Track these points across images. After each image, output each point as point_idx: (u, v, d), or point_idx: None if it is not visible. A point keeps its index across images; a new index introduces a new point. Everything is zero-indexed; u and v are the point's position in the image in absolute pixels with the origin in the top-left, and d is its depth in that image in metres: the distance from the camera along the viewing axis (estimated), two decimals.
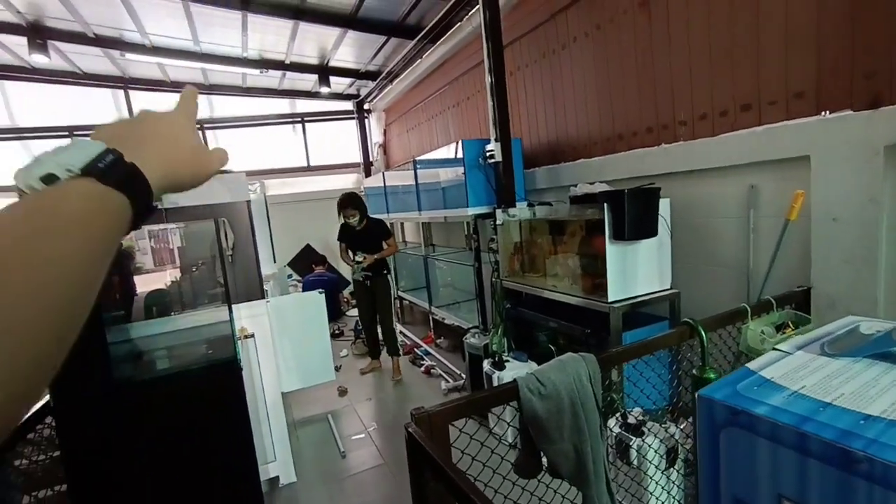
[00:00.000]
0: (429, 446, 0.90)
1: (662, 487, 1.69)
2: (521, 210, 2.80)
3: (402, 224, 6.29)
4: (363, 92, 6.58)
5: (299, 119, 6.82)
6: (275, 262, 3.52)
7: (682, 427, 1.91)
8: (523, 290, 2.79)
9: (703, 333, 1.40)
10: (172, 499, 1.76)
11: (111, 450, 1.63)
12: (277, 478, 2.47)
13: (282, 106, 6.66)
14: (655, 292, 2.21)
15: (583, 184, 2.56)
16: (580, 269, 2.44)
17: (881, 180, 1.64)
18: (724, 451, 0.48)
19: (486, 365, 2.63)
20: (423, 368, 3.96)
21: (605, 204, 2.03)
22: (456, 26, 4.03)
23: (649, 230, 2.07)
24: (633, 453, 1.72)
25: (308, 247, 6.61)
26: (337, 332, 5.17)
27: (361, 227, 3.70)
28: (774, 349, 0.59)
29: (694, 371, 1.44)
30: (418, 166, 4.04)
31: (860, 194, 1.69)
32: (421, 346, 4.49)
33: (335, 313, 5.70)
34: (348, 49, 5.10)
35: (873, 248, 1.70)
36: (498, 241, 2.98)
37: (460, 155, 3.22)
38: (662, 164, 2.43)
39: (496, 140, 3.01)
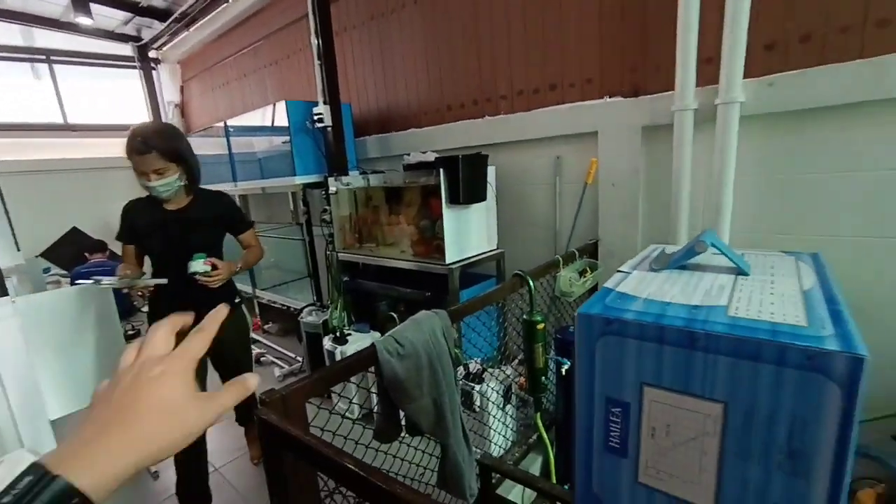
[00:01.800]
0: (286, 426, 0.78)
1: (502, 422, 1.91)
2: (354, 178, 2.69)
3: None
4: (147, 35, 5.33)
5: (43, 58, 5.09)
6: (18, 250, 2.53)
7: (513, 365, 2.17)
8: (361, 260, 2.72)
9: (531, 283, 1.59)
10: None
11: None
12: None
13: (12, 36, 4.83)
14: (485, 252, 2.42)
15: (415, 152, 2.60)
16: (418, 234, 2.50)
17: (639, 154, 2.11)
18: (598, 359, 0.52)
19: (327, 342, 2.50)
20: None
21: (441, 170, 2.10)
22: None
23: (480, 195, 2.23)
24: (477, 398, 1.88)
25: (75, 230, 5.16)
26: (132, 331, 4.24)
27: (185, 204, 1.79)
28: (618, 271, 0.66)
29: (525, 316, 1.62)
30: (231, 131, 3.51)
31: (628, 165, 2.14)
32: None
33: (127, 310, 4.65)
34: None
35: (635, 207, 2.19)
36: (331, 211, 2.83)
37: (282, 119, 2.91)
38: (486, 134, 2.64)
39: (325, 103, 2.81)
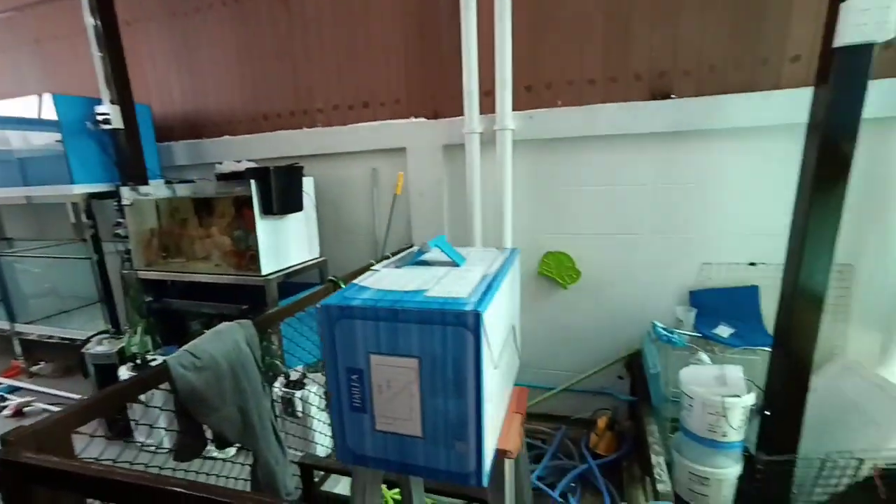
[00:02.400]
0: (41, 461, 0.72)
1: (325, 423, 1.98)
2: (157, 188, 2.44)
3: None
4: None
5: None
6: None
7: None
8: (168, 277, 2.47)
9: (343, 286, 1.72)
10: None
11: None
12: None
13: None
14: (306, 261, 2.46)
15: (228, 161, 2.49)
16: (231, 246, 2.40)
17: (441, 168, 2.44)
18: (338, 339, 0.67)
19: (124, 371, 2.20)
20: (4, 411, 2.84)
21: (252, 180, 2.08)
22: None
23: (295, 205, 2.27)
24: (298, 403, 1.92)
25: None
26: None
27: None
28: (372, 269, 0.83)
29: None
30: None
31: (432, 177, 2.45)
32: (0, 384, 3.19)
33: None
34: None
35: (441, 214, 2.51)
36: (126, 224, 2.50)
37: (48, 114, 2.44)
38: (305, 146, 2.68)
39: (113, 102, 2.47)
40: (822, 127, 1.44)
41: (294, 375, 2.02)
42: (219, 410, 1.19)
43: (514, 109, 2.23)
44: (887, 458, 1.60)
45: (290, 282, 2.42)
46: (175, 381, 1.07)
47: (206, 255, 2.49)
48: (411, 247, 2.36)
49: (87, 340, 2.49)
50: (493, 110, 2.25)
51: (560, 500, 1.90)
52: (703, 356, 1.96)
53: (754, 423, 1.86)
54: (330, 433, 2.09)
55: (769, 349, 1.80)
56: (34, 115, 2.53)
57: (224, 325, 1.28)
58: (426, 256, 0.90)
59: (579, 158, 2.26)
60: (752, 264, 2.12)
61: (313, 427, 1.95)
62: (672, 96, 2.04)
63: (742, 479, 1.81)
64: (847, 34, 1.35)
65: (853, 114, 1.39)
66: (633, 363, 2.32)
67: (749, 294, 2.14)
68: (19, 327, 3.28)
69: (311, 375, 2.01)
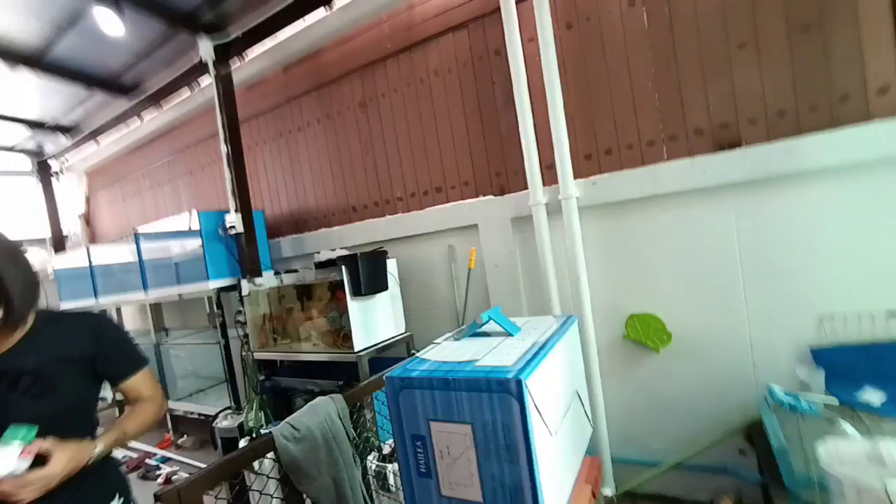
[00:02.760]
0: None
1: None
2: (268, 278, 2.86)
3: (117, 309, 5.17)
4: (49, 149, 5.30)
5: None
6: None
7: None
8: (277, 357, 2.80)
9: None
10: None
11: None
12: None
13: None
14: (393, 337, 2.64)
15: (324, 250, 2.86)
16: (328, 327, 2.67)
17: (512, 240, 2.55)
18: (402, 407, 0.77)
19: (243, 443, 2.47)
20: (160, 479, 3.28)
21: (343, 266, 2.36)
22: (186, 95, 3.89)
23: (381, 285, 2.50)
24: (391, 478, 1.98)
25: None
26: None
27: (9, 344, 1.08)
28: (433, 343, 0.94)
29: None
30: (141, 238, 3.56)
31: (504, 249, 2.56)
32: (155, 455, 3.71)
33: None
34: (32, 96, 4.13)
35: (517, 284, 2.57)
36: (245, 312, 2.92)
37: (195, 226, 3.07)
38: (388, 231, 2.99)
39: (236, 211, 3.03)
40: None
41: (387, 449, 2.10)
42: (315, 479, 1.31)
43: (575, 178, 2.31)
44: None
45: (381, 357, 2.59)
46: (278, 449, 1.22)
47: (308, 337, 2.79)
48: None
49: (216, 416, 2.85)
50: (556, 181, 2.35)
51: None
52: (848, 427, 1.66)
53: None
54: None
55: None
56: (185, 228, 3.18)
57: (318, 399, 1.44)
58: (485, 328, 0.98)
59: (649, 217, 2.23)
60: None
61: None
62: (741, 145, 1.98)
63: None
64: None
65: None
66: (755, 435, 2.02)
67: None
68: (171, 404, 3.84)
69: None
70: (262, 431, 2.53)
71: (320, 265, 2.68)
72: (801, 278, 1.96)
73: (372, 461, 2.16)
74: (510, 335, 0.91)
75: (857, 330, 1.88)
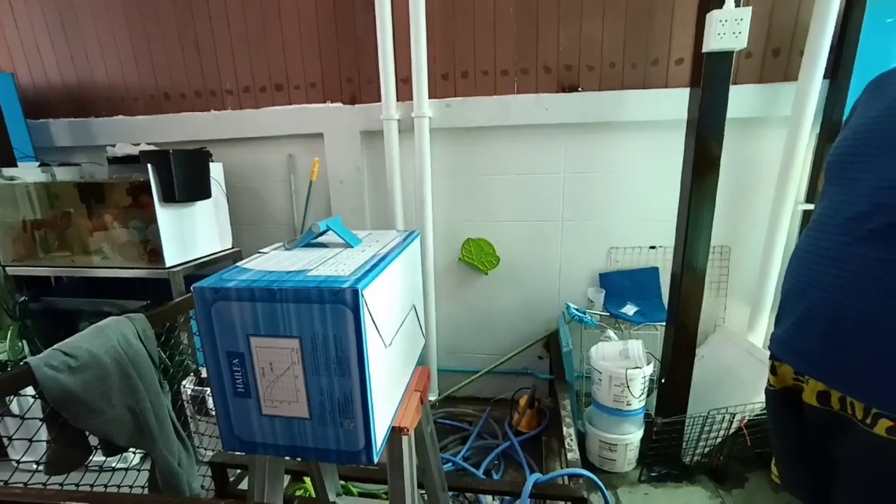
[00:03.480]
0: None
1: None
2: (29, 171, 2.15)
3: None
4: None
5: None
6: None
7: None
8: (51, 273, 2.21)
9: None
10: None
11: None
12: None
13: None
14: (217, 252, 2.32)
15: (123, 143, 2.26)
16: (129, 237, 2.19)
17: (360, 155, 2.40)
18: (215, 321, 0.65)
19: None
20: None
21: (150, 165, 1.91)
22: None
23: (202, 192, 2.12)
24: (210, 401, 1.82)
25: None
26: None
27: None
28: (258, 252, 0.81)
29: None
30: None
31: (351, 164, 2.41)
32: None
33: None
34: None
35: (362, 202, 2.48)
36: None
37: None
38: (213, 129, 2.50)
39: None
40: (696, 124, 1.61)
41: (205, 373, 1.90)
42: (104, 413, 1.09)
43: (430, 97, 2.25)
44: (752, 410, 1.85)
45: (200, 274, 2.26)
46: (42, 383, 0.97)
47: (100, 248, 2.25)
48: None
49: None
50: (410, 97, 2.24)
51: (483, 476, 1.98)
52: (611, 333, 2.14)
53: (654, 392, 2.08)
54: None
55: (664, 324, 2.00)
56: None
57: (108, 319, 1.17)
58: (322, 239, 0.89)
59: (496, 147, 2.33)
60: (653, 247, 2.34)
61: None
62: (579, 89, 2.17)
63: (643, 441, 2.01)
64: (711, 42, 1.51)
65: (720, 113, 1.57)
66: (551, 343, 2.47)
67: (650, 275, 2.35)
68: None
69: None
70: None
71: (116, 160, 2.12)
72: (601, 215, 2.34)
73: (187, 386, 1.95)
74: (350, 246, 0.85)
75: (631, 260, 2.37)
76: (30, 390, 0.96)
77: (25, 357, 2.11)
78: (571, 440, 1.73)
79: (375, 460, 0.69)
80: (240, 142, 2.53)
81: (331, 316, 0.62)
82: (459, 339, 2.62)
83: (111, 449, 1.16)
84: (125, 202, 2.21)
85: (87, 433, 1.10)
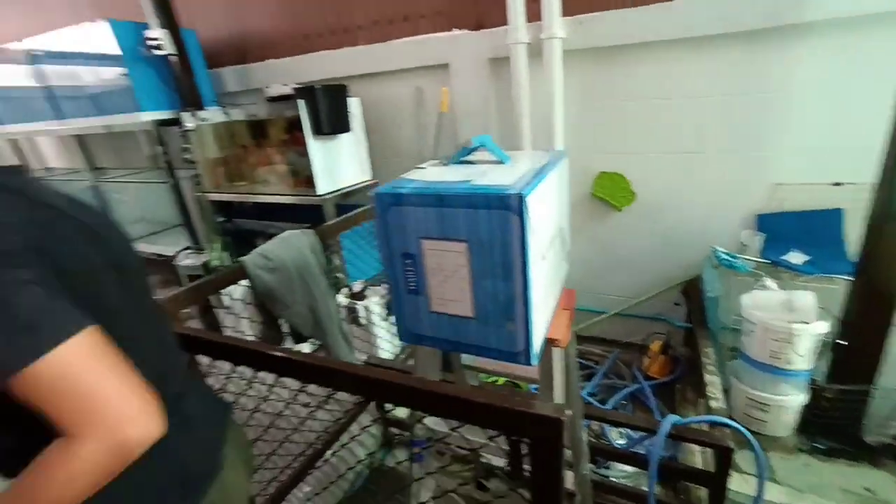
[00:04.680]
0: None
1: (386, 331, 2.17)
2: (213, 113, 2.55)
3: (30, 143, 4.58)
4: None
5: None
6: None
7: None
8: (234, 199, 2.66)
9: None
10: None
11: None
12: None
13: None
14: (359, 183, 2.54)
15: (275, 84, 2.52)
16: (287, 168, 2.51)
17: (488, 84, 2.34)
18: (391, 225, 0.72)
19: None
20: None
21: (301, 101, 2.11)
22: None
23: (343, 125, 2.30)
24: (362, 313, 2.10)
25: None
26: None
27: None
28: (417, 167, 0.86)
29: None
30: (41, 61, 2.95)
31: (478, 94, 2.37)
32: None
33: None
34: None
35: (489, 132, 2.45)
36: (194, 150, 2.66)
37: (108, 44, 2.52)
38: (347, 66, 2.64)
39: (162, 27, 2.52)
40: None
41: (356, 288, 2.18)
42: (291, 307, 1.34)
43: (563, 15, 2.05)
44: None
45: (346, 203, 2.52)
46: (252, 277, 1.21)
47: (265, 178, 2.63)
48: None
49: (176, 255, 2.78)
50: (539, 17, 2.07)
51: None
52: (769, 282, 1.84)
53: (825, 354, 1.78)
54: (393, 341, 2.29)
55: (850, 277, 1.68)
56: (92, 43, 2.61)
57: (289, 232, 1.39)
58: (471, 157, 0.91)
59: (637, 69, 2.08)
60: (837, 184, 1.91)
61: (376, 334, 2.13)
62: None
63: (808, 407, 1.75)
64: None
65: None
66: (691, 290, 2.26)
67: (830, 218, 1.94)
68: None
69: (371, 288, 2.17)
70: None
71: (272, 100, 2.39)
72: (765, 145, 1.98)
73: (342, 298, 2.26)
74: (502, 163, 0.86)
75: (804, 200, 1.99)
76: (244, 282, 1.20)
77: (227, 264, 2.64)
78: (716, 389, 1.62)
79: (534, 363, 0.74)
80: (371, 77, 2.64)
81: (497, 221, 0.65)
82: (588, 276, 2.55)
83: (297, 337, 1.42)
84: (282, 137, 2.51)
85: (280, 322, 1.37)
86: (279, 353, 0.75)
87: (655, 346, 2.25)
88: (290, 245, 1.34)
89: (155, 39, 2.49)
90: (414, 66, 2.49)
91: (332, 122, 2.18)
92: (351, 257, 2.23)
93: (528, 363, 0.74)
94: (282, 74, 2.84)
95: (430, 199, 0.68)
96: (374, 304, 2.19)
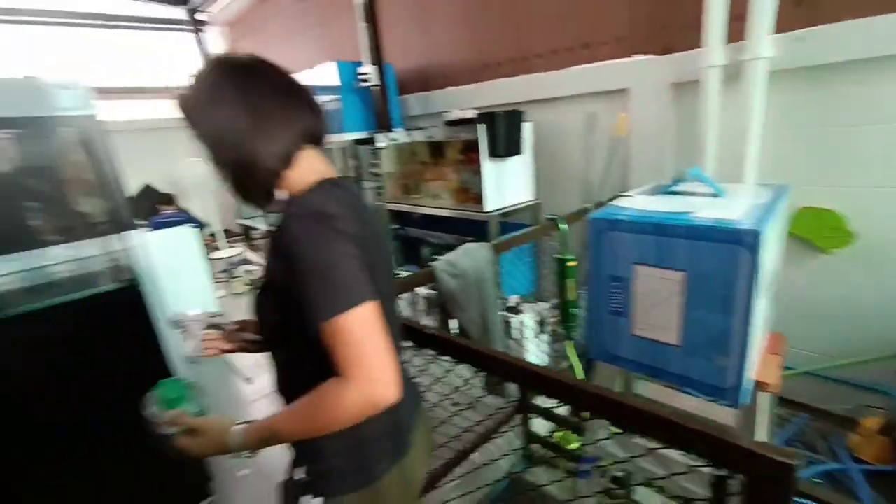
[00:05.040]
0: None
1: (538, 348, 2.22)
2: (400, 134, 2.94)
3: None
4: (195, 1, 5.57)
5: (124, 22, 5.43)
6: None
7: (547, 306, 2.45)
8: (408, 210, 3.02)
9: (563, 226, 1.83)
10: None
11: None
12: None
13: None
14: (522, 203, 2.65)
15: (455, 109, 2.80)
16: (460, 185, 2.75)
17: (668, 110, 2.24)
18: (604, 248, 0.78)
19: None
20: None
21: (482, 125, 2.31)
22: None
23: (517, 148, 2.44)
24: (515, 326, 2.18)
25: (148, 187, 5.68)
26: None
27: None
28: (623, 195, 0.91)
29: (556, 255, 1.87)
30: None
31: (657, 120, 2.28)
32: None
33: None
34: None
35: (664, 160, 2.34)
36: (381, 164, 3.10)
37: (332, 78, 3.14)
38: (523, 92, 2.79)
39: (372, 63, 3.02)
40: None
41: (511, 302, 2.28)
42: (466, 311, 1.48)
43: (774, 32, 1.86)
44: None
45: (506, 221, 2.66)
46: (439, 281, 1.38)
47: (437, 193, 2.92)
48: (626, 193, 2.30)
49: None
50: (741, 38, 1.92)
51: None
52: None
53: None
54: (542, 359, 2.32)
55: None
56: (320, 79, 3.26)
57: (470, 244, 1.55)
58: (678, 188, 0.92)
59: (866, 89, 1.77)
60: None
61: (526, 348, 2.19)
62: None
63: None
64: None
65: None
66: None
67: None
68: None
69: (525, 304, 2.24)
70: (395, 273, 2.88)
71: (451, 123, 2.66)
72: None
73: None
74: (716, 196, 0.85)
75: None
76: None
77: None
78: None
79: (742, 401, 0.72)
80: (543, 103, 2.74)
81: (724, 255, 0.66)
82: (778, 324, 2.21)
83: (465, 336, 1.56)
84: (458, 157, 2.76)
85: (448, 326, 1.53)
86: (498, 356, 0.83)
87: (871, 422, 1.84)
88: (471, 256, 1.49)
89: (365, 74, 3.00)
90: (588, 92, 2.52)
91: (508, 145, 2.34)
92: (504, 272, 2.33)
93: (734, 401, 0.72)
94: (459, 100, 3.13)
95: (648, 227, 0.72)
96: (528, 319, 2.25)
